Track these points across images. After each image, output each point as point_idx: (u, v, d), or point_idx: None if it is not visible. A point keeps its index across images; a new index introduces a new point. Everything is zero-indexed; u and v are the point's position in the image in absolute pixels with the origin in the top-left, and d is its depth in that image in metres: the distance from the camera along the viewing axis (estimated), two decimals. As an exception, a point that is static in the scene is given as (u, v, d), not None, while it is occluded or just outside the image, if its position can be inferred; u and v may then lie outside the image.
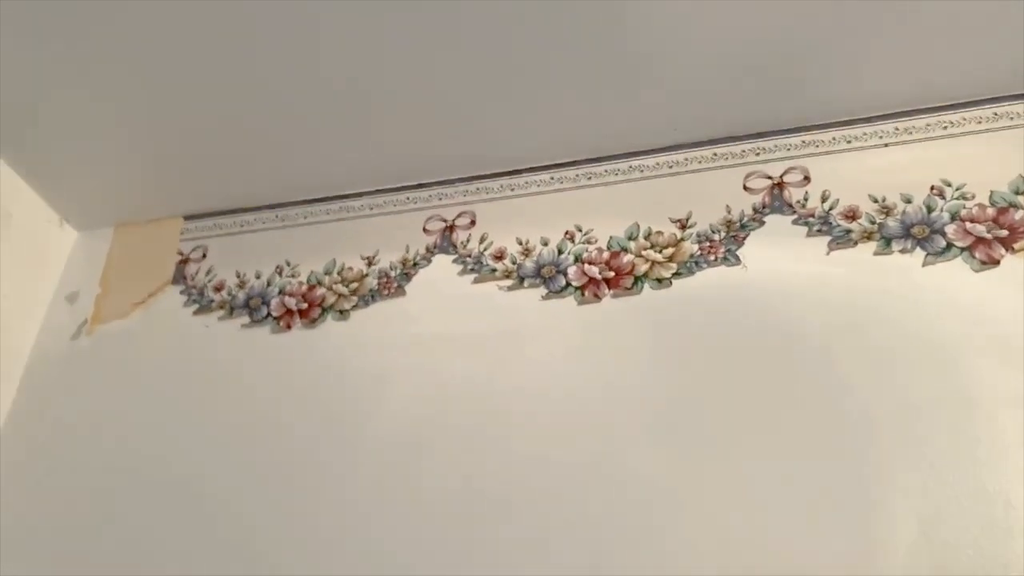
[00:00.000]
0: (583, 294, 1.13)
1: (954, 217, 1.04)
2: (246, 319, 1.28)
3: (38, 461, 1.24)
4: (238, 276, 1.33)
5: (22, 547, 1.16)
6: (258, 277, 1.32)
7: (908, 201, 1.07)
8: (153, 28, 1.13)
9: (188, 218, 1.43)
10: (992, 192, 1.03)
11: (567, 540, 0.96)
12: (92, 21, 1.12)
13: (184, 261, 1.39)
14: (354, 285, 1.26)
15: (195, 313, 1.31)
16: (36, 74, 1.21)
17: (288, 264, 1.32)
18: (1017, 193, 1.02)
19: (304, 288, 1.28)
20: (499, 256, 1.21)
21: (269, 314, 1.27)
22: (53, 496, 1.20)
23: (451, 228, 1.27)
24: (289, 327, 1.25)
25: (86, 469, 1.20)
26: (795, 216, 1.11)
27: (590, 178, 1.24)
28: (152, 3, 1.09)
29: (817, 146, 1.16)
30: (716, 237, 1.12)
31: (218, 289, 1.33)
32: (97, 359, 1.32)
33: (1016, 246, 0.99)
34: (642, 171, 1.22)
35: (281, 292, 1.29)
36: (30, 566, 1.14)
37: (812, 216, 1.10)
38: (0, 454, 1.25)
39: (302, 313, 1.25)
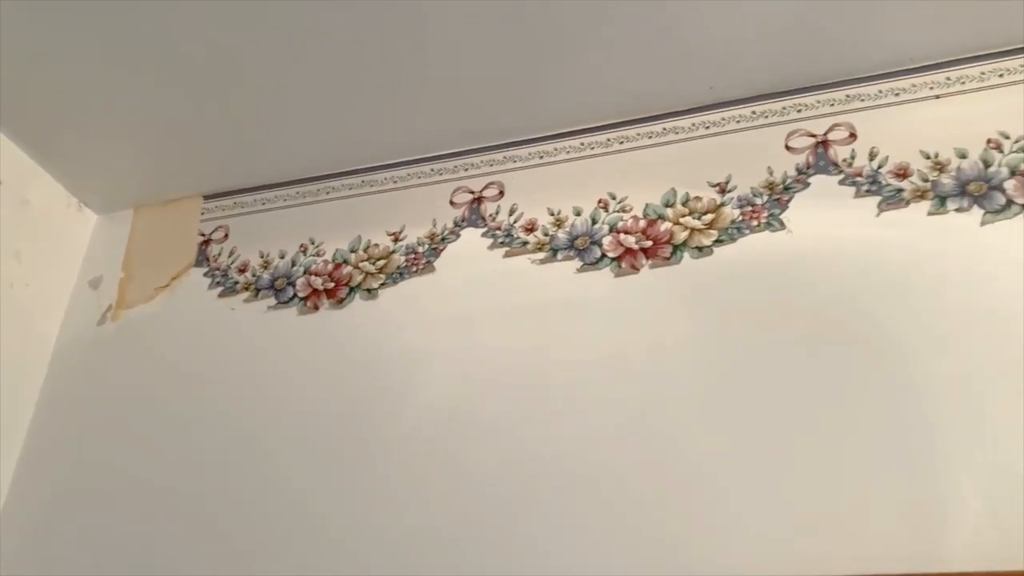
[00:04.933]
0: (620, 265, 1.08)
1: (1014, 172, 0.97)
2: (272, 301, 1.24)
3: (67, 447, 1.23)
4: (262, 256, 1.30)
5: (48, 531, 1.16)
6: (282, 257, 1.29)
7: (963, 156, 1.01)
8: (167, 6, 1.08)
9: (208, 197, 1.40)
10: (1056, 144, 0.97)
11: (610, 521, 0.93)
12: (104, 6, 1.08)
13: (206, 242, 1.35)
14: (381, 262, 1.22)
15: (220, 296, 1.28)
16: (47, 56, 1.16)
17: (312, 242, 1.28)
18: (1082, 144, 0.96)
19: (330, 267, 1.25)
20: (530, 228, 1.17)
21: (295, 295, 1.24)
22: (82, 482, 1.18)
23: (479, 200, 1.23)
24: (316, 308, 1.21)
25: (114, 455, 1.19)
26: (842, 176, 1.05)
27: (622, 142, 1.18)
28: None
29: (863, 100, 1.09)
30: (758, 201, 1.07)
31: (242, 270, 1.30)
32: (123, 345, 1.29)
33: (1083, 201, 0.93)
34: (677, 133, 1.16)
35: (306, 272, 1.25)
36: (57, 550, 1.14)
37: (860, 175, 1.04)
38: (30, 441, 1.25)
39: (329, 293, 1.22)
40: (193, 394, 1.20)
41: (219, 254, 1.33)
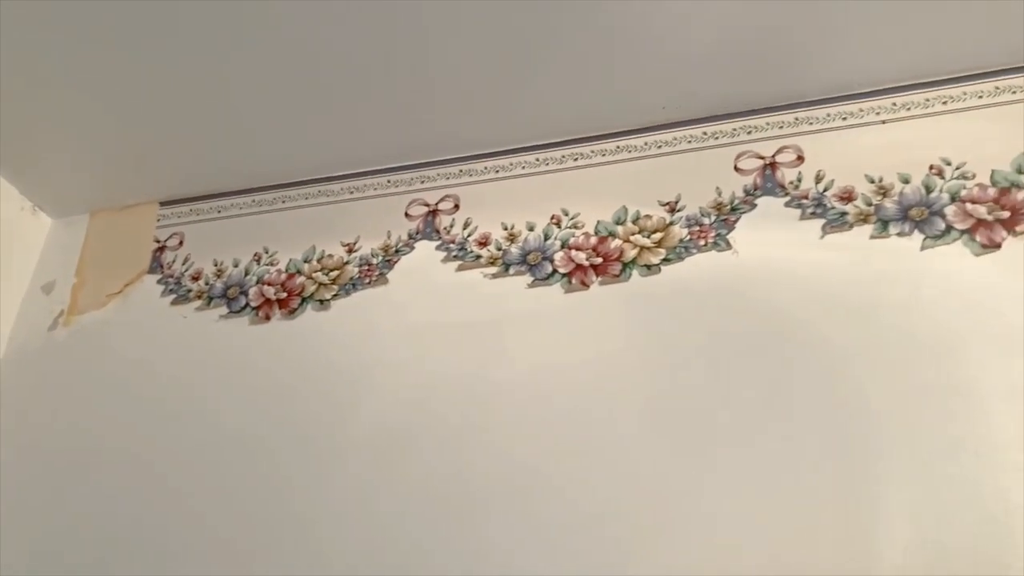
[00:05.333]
0: (570, 281, 1.09)
1: (954, 198, 0.99)
2: (224, 309, 1.24)
3: (13, 453, 1.21)
4: (215, 264, 1.29)
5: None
6: (236, 265, 1.28)
7: (906, 181, 1.03)
8: (125, 12, 1.08)
9: (164, 204, 1.39)
10: (993, 171, 0.99)
11: (557, 532, 0.94)
12: (62, 8, 1.07)
13: (160, 249, 1.35)
14: (335, 273, 1.22)
15: (172, 303, 1.28)
16: (4, 61, 1.15)
17: (266, 251, 1.28)
18: (1020, 172, 0.98)
19: (283, 277, 1.24)
20: (484, 242, 1.17)
21: (247, 304, 1.23)
22: (29, 489, 1.18)
23: (434, 213, 1.23)
24: (268, 318, 1.21)
25: (62, 462, 1.18)
26: (788, 198, 1.07)
27: (576, 159, 1.19)
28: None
29: (811, 123, 1.11)
30: (706, 221, 1.08)
31: (195, 278, 1.29)
32: (74, 351, 1.29)
33: (1018, 228, 0.95)
34: (630, 152, 1.17)
35: (259, 281, 1.25)
36: (8, 557, 1.13)
37: (805, 198, 1.06)
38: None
39: (281, 303, 1.22)
40: (142, 401, 1.19)
41: (173, 261, 1.32)
